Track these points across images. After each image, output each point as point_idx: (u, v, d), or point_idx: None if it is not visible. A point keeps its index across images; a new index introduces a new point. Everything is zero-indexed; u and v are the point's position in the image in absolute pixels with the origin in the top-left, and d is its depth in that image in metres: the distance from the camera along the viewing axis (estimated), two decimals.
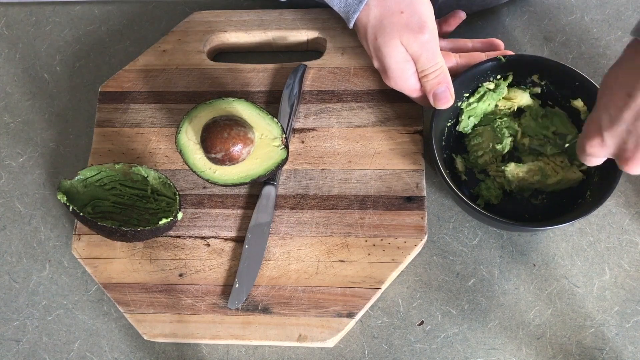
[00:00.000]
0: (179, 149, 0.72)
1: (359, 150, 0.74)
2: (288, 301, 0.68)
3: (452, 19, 0.76)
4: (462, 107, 0.74)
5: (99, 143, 0.76)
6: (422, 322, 0.69)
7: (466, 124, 0.74)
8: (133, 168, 0.71)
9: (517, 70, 0.73)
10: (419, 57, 0.68)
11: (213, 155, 0.68)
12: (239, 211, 0.72)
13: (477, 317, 0.69)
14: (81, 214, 0.67)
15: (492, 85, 0.74)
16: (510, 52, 0.73)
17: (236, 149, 0.68)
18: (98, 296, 0.72)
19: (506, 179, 0.71)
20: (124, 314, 0.68)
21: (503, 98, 0.74)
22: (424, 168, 0.72)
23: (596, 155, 0.61)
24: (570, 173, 0.70)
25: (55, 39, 0.86)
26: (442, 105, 0.70)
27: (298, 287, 0.68)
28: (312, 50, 0.83)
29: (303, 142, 0.75)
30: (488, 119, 0.74)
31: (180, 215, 0.69)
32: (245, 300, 0.68)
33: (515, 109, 0.75)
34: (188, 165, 0.72)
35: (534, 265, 0.71)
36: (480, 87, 0.74)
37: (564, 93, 0.73)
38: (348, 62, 0.78)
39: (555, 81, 0.73)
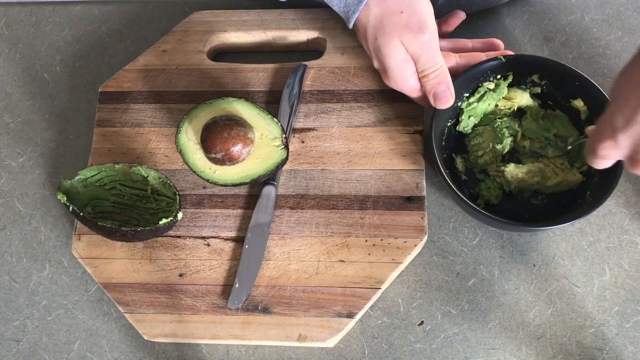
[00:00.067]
0: (179, 149, 0.72)
1: (359, 150, 0.74)
2: (288, 301, 0.68)
3: (452, 19, 0.76)
4: (462, 107, 0.74)
5: (99, 143, 0.76)
6: (422, 322, 0.69)
7: (466, 123, 0.74)
8: (133, 168, 0.71)
9: (517, 70, 0.73)
10: (419, 57, 0.68)
11: (213, 155, 0.68)
12: (239, 211, 0.72)
13: (477, 317, 0.69)
14: (81, 214, 0.67)
15: (492, 85, 0.74)
16: (510, 52, 0.73)
17: (236, 149, 0.68)
18: (98, 296, 0.72)
19: (505, 180, 0.71)
20: (124, 314, 0.68)
21: (503, 98, 0.74)
22: (424, 168, 0.72)
23: (609, 157, 0.59)
24: (570, 175, 0.70)
25: (55, 39, 0.86)
26: (442, 105, 0.70)
27: (298, 287, 0.68)
28: (312, 50, 0.83)
29: (303, 142, 0.75)
30: (488, 119, 0.74)
31: (180, 215, 0.69)
32: (245, 300, 0.68)
33: (515, 109, 0.75)
34: (188, 165, 0.72)
35: (534, 265, 0.71)
36: (480, 87, 0.74)
37: (564, 93, 0.73)
38: (348, 62, 0.78)
39: (555, 81, 0.73)
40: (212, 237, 0.71)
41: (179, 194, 0.69)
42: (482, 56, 0.73)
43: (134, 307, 0.68)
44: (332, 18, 0.80)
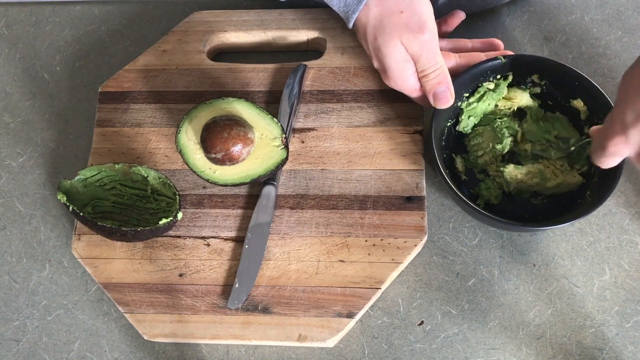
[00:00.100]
0: (179, 149, 0.72)
1: (359, 150, 0.74)
2: (288, 301, 0.68)
3: (452, 18, 0.76)
4: (462, 107, 0.74)
5: (99, 143, 0.76)
6: (422, 322, 0.69)
7: (466, 123, 0.74)
8: (133, 168, 0.71)
9: (517, 70, 0.73)
10: (419, 56, 0.68)
11: (213, 155, 0.68)
12: (239, 211, 0.72)
13: (477, 317, 0.69)
14: (81, 214, 0.67)
15: (492, 85, 0.74)
16: (510, 52, 0.73)
17: (236, 149, 0.68)
18: (98, 296, 0.72)
19: (504, 180, 0.71)
20: (124, 314, 0.68)
21: (503, 98, 0.74)
22: (424, 168, 0.72)
23: (619, 153, 0.59)
24: (570, 177, 0.70)
25: (55, 39, 0.86)
26: (442, 105, 0.70)
27: (298, 287, 0.68)
28: (312, 50, 0.83)
29: (303, 142, 0.75)
30: (488, 119, 0.74)
31: (180, 215, 0.69)
32: (245, 300, 0.68)
33: (515, 109, 0.75)
34: (188, 165, 0.72)
35: (534, 265, 0.71)
36: (480, 87, 0.74)
37: (563, 93, 0.73)
38: (348, 62, 0.78)
39: (555, 81, 0.73)
40: (212, 237, 0.71)
41: (179, 194, 0.69)
42: (481, 56, 0.73)
43: (134, 307, 0.68)
44: (332, 18, 0.80)
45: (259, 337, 0.67)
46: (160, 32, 0.85)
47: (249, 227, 0.70)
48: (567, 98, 0.72)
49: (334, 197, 0.72)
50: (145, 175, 0.71)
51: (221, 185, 0.71)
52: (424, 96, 0.71)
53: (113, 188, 0.72)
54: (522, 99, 0.74)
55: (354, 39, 0.78)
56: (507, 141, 0.72)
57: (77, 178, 0.70)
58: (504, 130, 0.73)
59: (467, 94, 0.74)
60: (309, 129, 0.75)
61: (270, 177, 0.72)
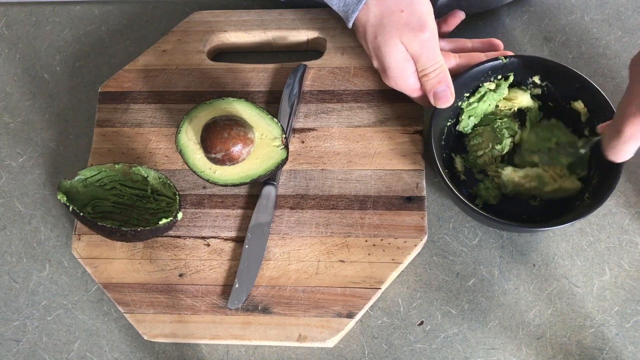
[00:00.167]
0: (179, 149, 0.72)
1: (359, 150, 0.74)
2: (288, 301, 0.68)
3: (452, 18, 0.76)
4: (462, 107, 0.74)
5: (99, 143, 0.76)
6: (422, 322, 0.69)
7: (466, 123, 0.74)
8: (133, 168, 0.71)
9: (518, 70, 0.73)
10: (419, 56, 0.68)
11: (213, 155, 0.68)
12: (239, 211, 0.72)
13: (477, 317, 0.69)
14: (81, 214, 0.67)
15: (492, 86, 0.74)
16: (510, 53, 0.73)
17: (236, 149, 0.68)
18: (98, 296, 0.72)
19: (502, 182, 0.71)
20: (124, 314, 0.68)
21: (504, 98, 0.74)
22: (424, 168, 0.72)
23: (636, 136, 0.58)
24: (569, 182, 0.70)
25: (55, 39, 0.86)
26: (442, 104, 0.70)
27: (298, 287, 0.68)
28: (312, 50, 0.83)
29: (303, 142, 0.75)
30: (488, 119, 0.74)
31: (180, 215, 0.69)
32: (245, 300, 0.68)
33: (516, 109, 0.75)
34: (188, 165, 0.72)
35: (534, 265, 0.71)
36: (480, 87, 0.74)
37: (564, 94, 0.72)
38: (348, 62, 0.78)
39: (556, 82, 0.72)
40: (212, 237, 0.71)
41: (179, 194, 0.69)
42: (481, 56, 0.73)
43: (134, 307, 0.68)
44: (332, 18, 0.80)
45: (259, 337, 0.67)
46: (160, 32, 0.85)
47: (249, 227, 0.70)
48: (568, 100, 0.72)
49: (334, 197, 0.72)
50: (145, 175, 0.71)
51: (221, 185, 0.71)
52: (424, 96, 0.71)
53: (113, 188, 0.72)
54: (523, 99, 0.74)
55: (354, 39, 0.78)
56: (507, 142, 0.72)
57: (77, 178, 0.70)
58: (504, 130, 0.73)
59: (468, 94, 0.74)
60: (309, 129, 0.75)
61: (270, 177, 0.72)
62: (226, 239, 0.71)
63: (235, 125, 0.68)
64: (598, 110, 0.69)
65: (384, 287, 0.68)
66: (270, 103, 0.77)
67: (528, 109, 0.74)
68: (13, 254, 0.75)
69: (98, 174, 0.71)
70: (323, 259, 0.69)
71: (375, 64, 0.71)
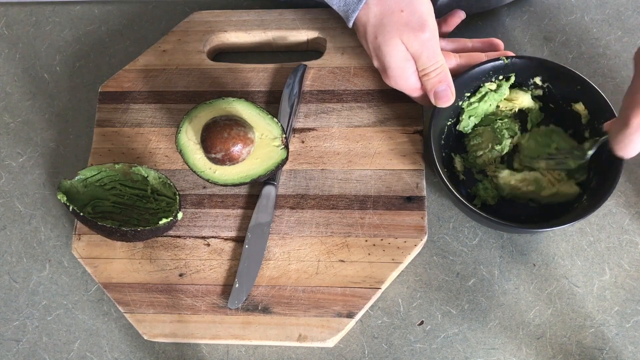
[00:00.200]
0: (179, 149, 0.72)
1: (359, 150, 0.74)
2: (288, 301, 0.68)
3: (452, 18, 0.76)
4: (463, 107, 0.74)
5: (99, 143, 0.76)
6: (422, 322, 0.69)
7: (466, 123, 0.74)
8: (133, 168, 0.71)
9: (520, 71, 0.73)
10: (419, 55, 0.68)
11: (213, 155, 0.68)
12: (239, 211, 0.72)
13: (477, 317, 0.69)
14: (81, 214, 0.67)
15: (493, 86, 0.74)
16: (511, 53, 0.73)
17: (236, 149, 0.68)
18: (98, 296, 0.72)
19: (499, 185, 0.71)
20: (124, 314, 0.68)
21: (505, 99, 0.74)
22: (424, 168, 0.72)
23: None
24: (567, 187, 0.70)
25: (55, 39, 0.86)
26: (443, 103, 0.70)
27: (298, 287, 0.68)
28: (312, 50, 0.83)
29: (303, 142, 0.75)
30: (489, 120, 0.74)
31: (180, 215, 0.69)
32: (245, 300, 0.68)
33: (517, 110, 0.74)
34: (188, 165, 0.72)
35: (534, 265, 0.71)
36: (482, 87, 0.74)
37: (565, 96, 0.72)
38: (348, 62, 0.78)
39: (557, 84, 0.72)
40: (212, 237, 0.71)
41: (179, 194, 0.69)
42: (482, 56, 0.73)
43: (134, 307, 0.68)
44: (332, 18, 0.80)
45: (259, 337, 0.67)
46: (160, 32, 0.85)
47: (249, 227, 0.70)
48: (569, 101, 0.72)
49: (334, 197, 0.72)
50: (145, 175, 0.71)
51: (221, 185, 0.71)
52: (424, 95, 0.71)
53: (113, 188, 0.72)
54: (524, 100, 0.74)
55: (354, 39, 0.78)
56: (507, 142, 0.72)
57: (77, 178, 0.70)
58: (504, 131, 0.73)
59: (469, 94, 0.74)
60: (309, 129, 0.75)
61: (270, 177, 0.72)
62: (226, 239, 0.71)
63: (235, 125, 0.68)
64: (599, 112, 0.69)
65: (384, 287, 0.68)
66: (270, 103, 0.77)
67: (529, 110, 0.74)
68: (13, 254, 0.75)
69: (98, 174, 0.71)
70: (323, 258, 0.69)
71: (376, 63, 0.71)
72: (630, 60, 0.79)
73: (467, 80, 0.72)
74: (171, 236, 0.71)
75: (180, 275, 0.70)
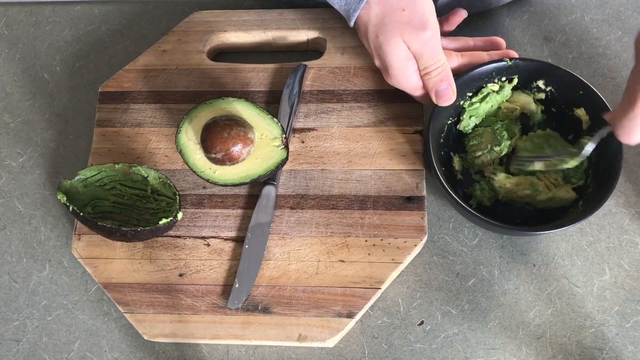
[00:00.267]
0: (179, 149, 0.72)
1: (359, 150, 0.74)
2: (288, 301, 0.68)
3: (453, 17, 0.76)
4: (464, 106, 0.74)
5: (99, 143, 0.76)
6: (422, 322, 0.69)
7: (467, 123, 0.74)
8: (133, 168, 0.71)
9: (523, 74, 0.73)
10: (421, 54, 0.68)
11: (213, 155, 0.68)
12: (239, 211, 0.72)
13: (477, 317, 0.69)
14: (81, 214, 0.67)
15: (496, 87, 0.73)
16: (513, 52, 0.73)
17: (236, 149, 0.68)
18: (98, 296, 0.72)
19: (495, 188, 0.71)
20: (124, 314, 0.68)
21: (506, 101, 0.74)
22: (424, 168, 0.72)
23: None
24: (563, 192, 0.69)
25: (55, 39, 0.86)
26: (444, 102, 0.70)
27: (298, 287, 0.68)
28: (312, 50, 0.83)
29: (303, 142, 0.75)
30: (490, 121, 0.74)
31: (180, 215, 0.69)
32: (245, 300, 0.68)
33: (518, 113, 0.74)
34: (188, 165, 0.72)
35: (534, 265, 0.71)
36: (484, 87, 0.73)
37: (567, 101, 0.72)
38: (348, 62, 0.78)
39: (560, 88, 0.72)
40: (212, 237, 0.71)
41: (179, 194, 0.69)
42: (484, 55, 0.73)
43: (134, 307, 0.68)
44: (332, 18, 0.80)
45: (259, 337, 0.67)
46: (160, 32, 0.85)
47: (249, 227, 0.70)
48: (570, 106, 0.72)
49: (334, 197, 0.72)
50: (145, 175, 0.71)
51: (221, 185, 0.71)
52: (426, 94, 0.71)
53: (113, 188, 0.72)
54: (526, 103, 0.74)
55: (354, 39, 0.78)
56: (506, 144, 0.72)
57: (77, 178, 0.70)
58: (504, 133, 0.72)
59: (471, 94, 0.74)
60: (309, 129, 0.75)
61: (270, 177, 0.72)
62: (226, 239, 0.71)
63: (235, 125, 0.68)
64: (600, 118, 0.69)
65: (384, 287, 0.68)
66: (270, 103, 0.77)
67: (530, 112, 0.74)
68: (13, 254, 0.75)
69: (98, 174, 0.71)
70: (323, 258, 0.69)
71: (377, 62, 0.71)
72: (631, 60, 0.79)
73: (469, 80, 0.72)
74: (171, 236, 0.71)
75: (180, 275, 0.70)
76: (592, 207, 0.65)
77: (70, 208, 0.67)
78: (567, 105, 0.72)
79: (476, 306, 0.69)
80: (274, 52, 0.83)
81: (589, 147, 0.67)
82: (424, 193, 0.71)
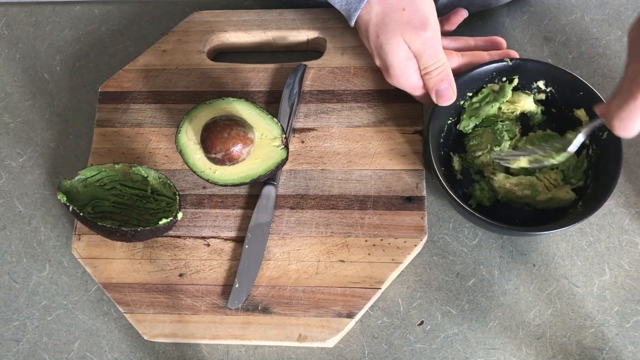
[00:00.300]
0: (179, 149, 0.72)
1: (359, 150, 0.74)
2: (288, 301, 0.68)
3: (454, 16, 0.76)
4: (464, 106, 0.74)
5: (99, 143, 0.76)
6: (422, 322, 0.69)
7: (467, 123, 0.74)
8: (133, 168, 0.71)
9: (524, 74, 0.73)
10: (421, 54, 0.68)
11: (213, 155, 0.68)
12: (239, 211, 0.72)
13: (477, 317, 0.69)
14: (81, 214, 0.67)
15: (496, 87, 0.73)
16: (514, 52, 0.73)
17: (236, 149, 0.68)
18: (98, 296, 0.72)
19: (494, 188, 0.71)
20: (124, 314, 0.68)
21: (507, 101, 0.74)
22: (424, 168, 0.72)
23: None
24: (562, 192, 0.69)
25: (55, 39, 0.86)
26: (444, 102, 0.70)
27: (298, 287, 0.68)
28: (312, 50, 0.83)
29: (303, 142, 0.75)
30: (490, 121, 0.74)
31: (180, 215, 0.69)
32: (245, 300, 0.68)
33: (519, 113, 0.74)
34: (188, 165, 0.72)
35: (534, 265, 0.71)
36: (484, 87, 0.74)
37: (567, 102, 0.72)
38: (348, 62, 0.78)
39: (560, 88, 0.72)
40: (212, 237, 0.71)
41: (179, 194, 0.69)
42: (484, 55, 0.73)
43: (134, 307, 0.68)
44: (332, 18, 0.80)
45: (259, 337, 0.67)
46: (160, 32, 0.85)
47: (249, 227, 0.70)
48: (571, 107, 0.72)
49: (334, 197, 0.72)
50: (145, 175, 0.71)
51: (221, 185, 0.71)
52: (426, 94, 0.71)
53: (113, 188, 0.72)
54: (526, 103, 0.74)
55: (354, 39, 0.78)
56: (506, 144, 0.72)
57: (77, 178, 0.70)
58: (504, 133, 0.72)
59: (471, 94, 0.74)
60: (309, 129, 0.75)
61: (270, 177, 0.72)
62: (226, 239, 0.71)
63: (235, 125, 0.68)
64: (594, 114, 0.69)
65: (384, 287, 0.68)
66: (270, 103, 0.77)
67: (531, 113, 0.74)
68: (13, 254, 0.75)
69: (98, 174, 0.71)
70: (323, 259, 0.69)
71: (378, 62, 0.71)
72: None
73: (469, 80, 0.72)
74: (171, 236, 0.71)
75: (180, 275, 0.70)
76: (591, 208, 0.65)
77: (70, 208, 0.67)
78: (567, 106, 0.72)
79: (476, 306, 0.69)
80: (274, 52, 0.83)
81: (577, 142, 0.66)
82: (424, 193, 0.71)
